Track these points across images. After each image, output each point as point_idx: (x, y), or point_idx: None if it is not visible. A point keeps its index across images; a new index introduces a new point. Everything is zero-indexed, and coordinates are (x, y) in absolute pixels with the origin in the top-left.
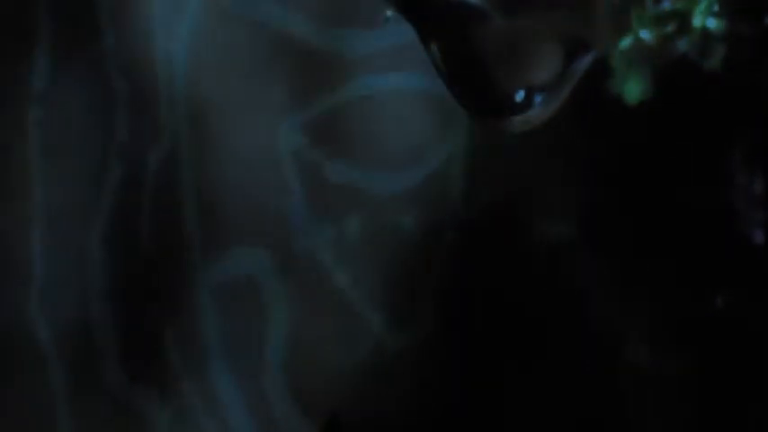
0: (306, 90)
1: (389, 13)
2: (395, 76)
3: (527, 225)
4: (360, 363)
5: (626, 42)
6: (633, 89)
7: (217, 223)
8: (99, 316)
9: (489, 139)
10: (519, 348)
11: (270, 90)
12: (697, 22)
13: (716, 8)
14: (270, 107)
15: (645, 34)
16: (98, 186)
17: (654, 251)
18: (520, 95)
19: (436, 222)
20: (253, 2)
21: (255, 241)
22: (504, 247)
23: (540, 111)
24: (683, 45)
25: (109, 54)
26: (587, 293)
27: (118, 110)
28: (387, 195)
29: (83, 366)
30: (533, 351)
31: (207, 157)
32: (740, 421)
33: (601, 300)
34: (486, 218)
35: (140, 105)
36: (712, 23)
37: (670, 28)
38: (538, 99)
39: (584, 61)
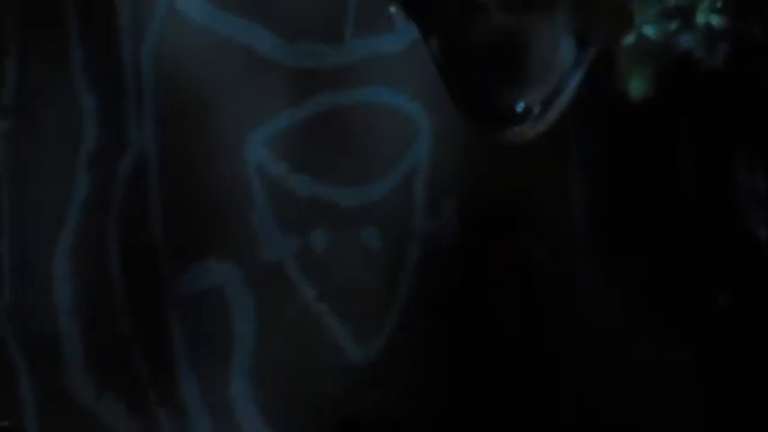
0: (272, 104)
1: (393, 8)
2: (360, 92)
3: (495, 237)
4: (326, 375)
5: (630, 39)
6: (637, 86)
7: (184, 236)
8: (67, 329)
9: (455, 152)
10: (482, 359)
11: (236, 103)
12: (701, 18)
13: (719, 5)
14: (236, 121)
15: (649, 30)
16: (67, 199)
17: (655, 249)
18: (520, 106)
19: (401, 235)
20: (220, 15)
21: (223, 254)
22: (470, 259)
23: (538, 123)
24: (686, 42)
25: (77, 67)
26: (575, 296)
27: (86, 123)
28: (352, 208)
29: (51, 379)
30: (500, 361)
31: (174, 171)
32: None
33: (597, 301)
34: (450, 230)
35: (108, 119)
36: (716, 20)
37: (674, 25)
38: (536, 111)
39: (583, 65)
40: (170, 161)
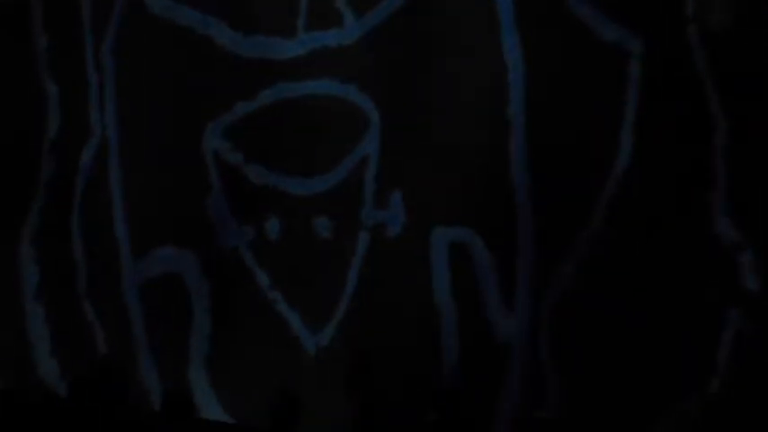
0: (228, 95)
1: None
2: (311, 84)
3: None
4: (279, 361)
5: None
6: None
7: (144, 223)
8: (32, 313)
9: (404, 144)
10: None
11: (194, 94)
12: None
13: None
14: (193, 110)
15: None
16: (31, 185)
17: None
18: None
19: (350, 224)
20: (178, 9)
21: (181, 241)
22: (416, 247)
23: None
24: None
25: (41, 57)
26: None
27: (50, 110)
28: (304, 198)
29: (17, 362)
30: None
31: (134, 158)
32: None
33: None
34: (399, 218)
35: (71, 106)
36: None
37: None
38: None
39: None
40: (130, 149)
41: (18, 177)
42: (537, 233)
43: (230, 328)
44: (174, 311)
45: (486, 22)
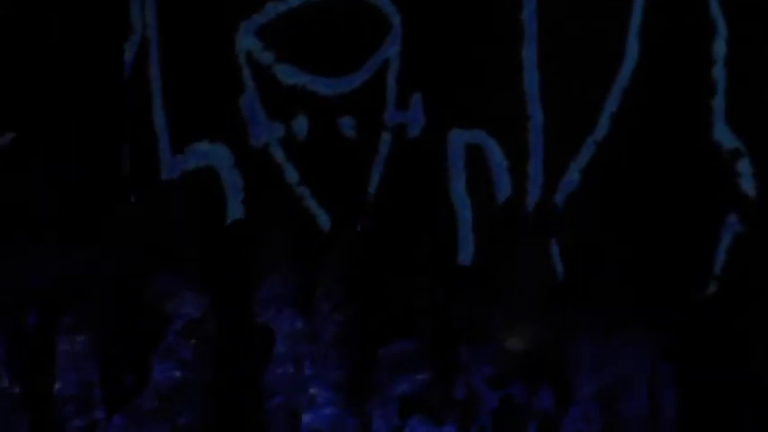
0: None
1: None
2: None
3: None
4: (307, 254)
5: None
6: None
7: (182, 118)
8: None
9: (424, 48)
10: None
11: None
12: None
13: None
14: (227, 10)
15: None
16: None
17: None
18: None
19: (374, 125)
20: None
21: (216, 137)
22: (434, 148)
23: None
24: None
25: None
26: None
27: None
28: (330, 97)
29: None
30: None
31: (173, 57)
32: None
33: None
34: (419, 120)
35: (113, 3)
36: None
37: None
38: None
39: None
40: (169, 46)
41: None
42: (546, 139)
43: (261, 219)
44: (208, 202)
45: None
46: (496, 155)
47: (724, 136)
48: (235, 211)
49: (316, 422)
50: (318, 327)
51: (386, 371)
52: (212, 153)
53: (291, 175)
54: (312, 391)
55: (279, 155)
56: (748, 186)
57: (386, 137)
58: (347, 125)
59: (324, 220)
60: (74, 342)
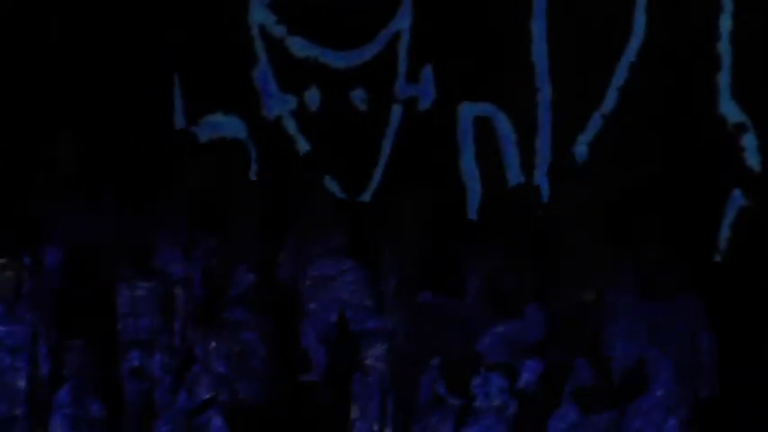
0: None
1: None
2: None
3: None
4: (317, 222)
5: None
6: None
7: (197, 90)
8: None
9: (435, 21)
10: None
11: None
12: None
13: None
14: None
15: None
16: None
17: None
18: None
19: (385, 97)
20: None
21: (230, 108)
22: (444, 120)
23: None
24: None
25: None
26: None
27: None
28: (342, 70)
29: None
30: None
31: (186, 30)
32: None
33: None
34: (430, 93)
35: None
36: None
37: None
38: None
39: None
40: (181, 21)
41: None
42: (554, 112)
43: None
44: (226, 172)
45: None
46: (505, 128)
47: (729, 110)
48: None
49: None
50: None
51: None
52: (226, 124)
53: (303, 146)
54: None
55: (291, 126)
56: (753, 160)
57: (397, 109)
58: (358, 97)
59: (336, 190)
60: None
